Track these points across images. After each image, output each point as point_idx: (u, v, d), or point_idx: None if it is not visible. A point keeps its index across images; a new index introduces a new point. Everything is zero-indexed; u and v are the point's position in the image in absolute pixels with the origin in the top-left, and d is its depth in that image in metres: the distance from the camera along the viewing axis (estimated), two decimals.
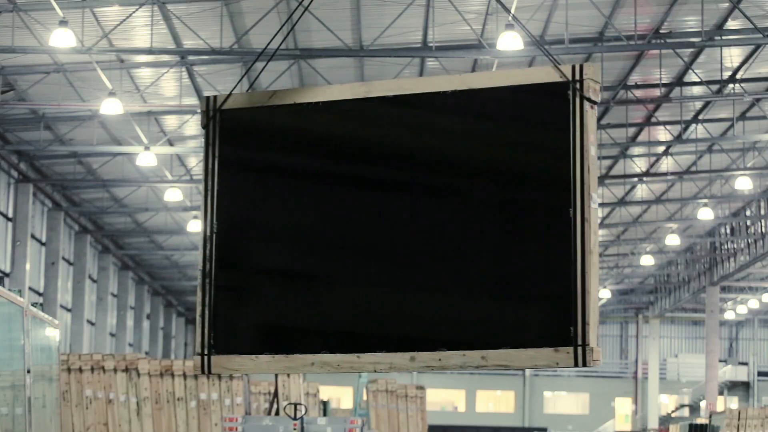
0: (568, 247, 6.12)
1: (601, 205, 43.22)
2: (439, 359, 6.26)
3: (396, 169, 6.55)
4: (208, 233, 6.70)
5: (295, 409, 16.45)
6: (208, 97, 6.80)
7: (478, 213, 6.37)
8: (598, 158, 37.24)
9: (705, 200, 40.48)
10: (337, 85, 6.61)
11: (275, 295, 6.70)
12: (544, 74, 6.28)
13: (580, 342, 6.04)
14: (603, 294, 60.62)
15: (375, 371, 6.43)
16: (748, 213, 44.72)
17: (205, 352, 6.68)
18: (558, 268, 6.14)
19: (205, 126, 6.78)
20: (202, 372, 6.68)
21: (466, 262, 6.34)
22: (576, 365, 6.06)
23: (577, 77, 6.22)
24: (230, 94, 6.77)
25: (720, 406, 54.85)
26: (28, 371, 12.55)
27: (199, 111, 29.11)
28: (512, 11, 22.27)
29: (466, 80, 6.45)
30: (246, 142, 6.79)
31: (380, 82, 6.59)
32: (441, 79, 6.48)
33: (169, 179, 35.22)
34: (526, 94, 6.34)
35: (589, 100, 6.20)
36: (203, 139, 6.84)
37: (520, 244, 6.27)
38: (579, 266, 6.10)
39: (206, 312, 6.68)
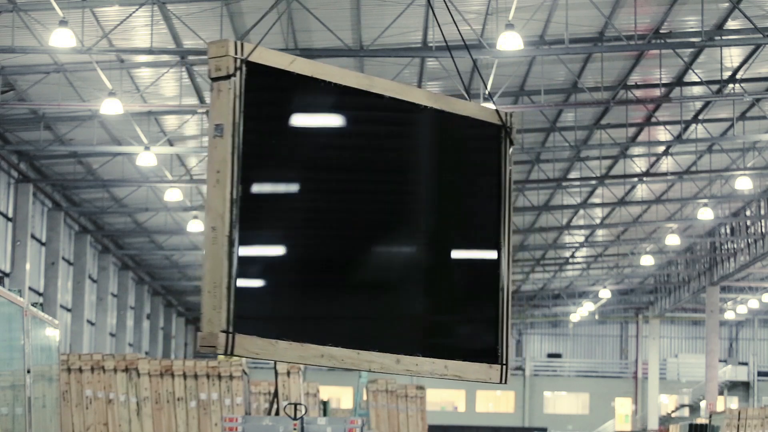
0: (498, 277, 6.80)
1: (602, 205, 43.29)
2: (416, 364, 6.51)
3: (372, 173, 6.59)
4: (235, 197, 5.85)
5: (295, 409, 16.44)
6: (235, 42, 5.98)
7: (425, 229, 6.71)
8: (598, 159, 37.32)
9: (705, 200, 40.47)
10: (344, 69, 6.49)
11: (294, 277, 6.16)
12: (488, 113, 6.88)
13: (504, 361, 6.76)
14: (603, 294, 60.65)
15: (370, 370, 6.37)
16: (748, 213, 44.73)
17: (230, 329, 5.78)
18: (490, 292, 6.79)
19: (232, 74, 5.93)
20: (226, 353, 5.79)
21: (425, 278, 6.71)
22: (500, 382, 6.74)
23: (508, 124, 6.89)
24: (258, 44, 6.04)
25: (720, 406, 54.85)
26: (28, 371, 12.55)
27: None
28: (512, 12, 22.27)
29: (438, 100, 6.76)
30: (269, 102, 6.14)
31: (380, 80, 6.58)
32: (420, 93, 6.72)
33: (169, 179, 35.22)
34: (474, 126, 6.87)
35: (512, 143, 6.90)
36: (228, 89, 5.95)
37: (464, 269, 6.86)
38: (506, 292, 6.78)
39: (232, 284, 5.82)
